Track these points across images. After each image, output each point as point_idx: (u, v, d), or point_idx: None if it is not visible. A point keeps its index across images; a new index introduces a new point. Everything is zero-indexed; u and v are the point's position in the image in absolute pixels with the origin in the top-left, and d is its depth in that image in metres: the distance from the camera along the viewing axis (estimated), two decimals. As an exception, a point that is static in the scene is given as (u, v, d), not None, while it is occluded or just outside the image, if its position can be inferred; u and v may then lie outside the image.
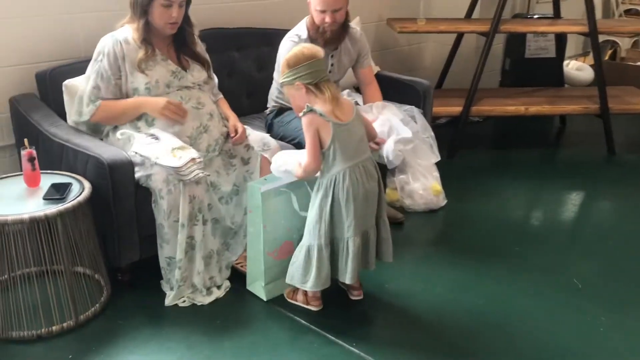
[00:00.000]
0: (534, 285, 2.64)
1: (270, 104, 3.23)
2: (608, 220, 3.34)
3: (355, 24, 3.32)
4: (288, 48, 2.85)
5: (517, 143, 4.48)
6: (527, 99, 4.22)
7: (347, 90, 3.42)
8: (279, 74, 2.94)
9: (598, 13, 5.82)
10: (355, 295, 2.50)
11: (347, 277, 2.30)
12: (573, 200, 3.59)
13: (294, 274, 2.34)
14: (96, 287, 2.45)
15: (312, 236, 2.28)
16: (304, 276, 2.31)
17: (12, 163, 2.87)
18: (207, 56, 2.72)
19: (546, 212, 3.47)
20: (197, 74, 2.62)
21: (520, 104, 4.10)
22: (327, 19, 2.77)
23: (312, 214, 2.30)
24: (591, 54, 4.66)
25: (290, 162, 2.32)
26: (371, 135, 2.49)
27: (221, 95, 2.84)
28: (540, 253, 2.92)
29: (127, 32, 2.51)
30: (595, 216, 3.44)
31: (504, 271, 2.75)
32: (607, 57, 6.00)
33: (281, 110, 3.14)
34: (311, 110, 2.18)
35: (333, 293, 2.49)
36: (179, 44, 2.60)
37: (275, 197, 2.41)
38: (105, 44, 2.49)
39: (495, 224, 3.19)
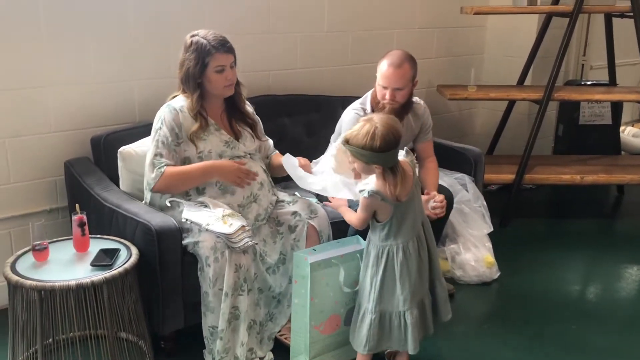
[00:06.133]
0: (595, 369, 2.49)
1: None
2: (673, 299, 3.15)
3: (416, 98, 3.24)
4: (352, 118, 2.82)
5: (573, 212, 4.33)
6: (582, 167, 4.09)
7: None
8: (335, 139, 2.94)
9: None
10: (403, 372, 2.40)
11: (409, 347, 2.25)
12: (633, 276, 3.40)
13: (353, 337, 2.32)
14: (139, 354, 2.42)
15: (364, 299, 2.27)
16: (357, 338, 2.28)
17: (64, 224, 2.91)
18: (256, 117, 2.74)
19: (605, 287, 3.29)
20: (249, 143, 2.63)
21: (576, 172, 3.97)
22: (387, 96, 2.75)
23: (363, 278, 2.29)
24: (649, 121, 4.53)
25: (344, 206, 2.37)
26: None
27: (277, 151, 2.84)
28: (599, 332, 2.75)
29: (182, 101, 2.53)
30: (659, 293, 3.25)
31: (560, 352, 2.60)
32: (665, 123, 5.84)
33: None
34: (373, 195, 2.14)
35: (380, 370, 2.39)
36: (231, 107, 2.62)
37: (325, 269, 2.35)
38: (163, 113, 2.50)
39: (551, 300, 3.05)
